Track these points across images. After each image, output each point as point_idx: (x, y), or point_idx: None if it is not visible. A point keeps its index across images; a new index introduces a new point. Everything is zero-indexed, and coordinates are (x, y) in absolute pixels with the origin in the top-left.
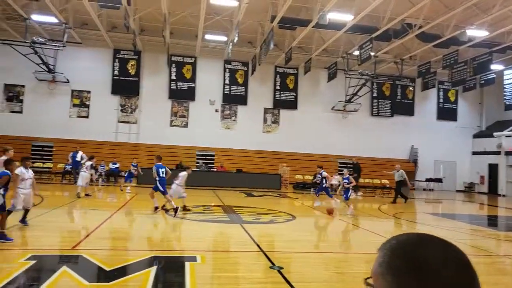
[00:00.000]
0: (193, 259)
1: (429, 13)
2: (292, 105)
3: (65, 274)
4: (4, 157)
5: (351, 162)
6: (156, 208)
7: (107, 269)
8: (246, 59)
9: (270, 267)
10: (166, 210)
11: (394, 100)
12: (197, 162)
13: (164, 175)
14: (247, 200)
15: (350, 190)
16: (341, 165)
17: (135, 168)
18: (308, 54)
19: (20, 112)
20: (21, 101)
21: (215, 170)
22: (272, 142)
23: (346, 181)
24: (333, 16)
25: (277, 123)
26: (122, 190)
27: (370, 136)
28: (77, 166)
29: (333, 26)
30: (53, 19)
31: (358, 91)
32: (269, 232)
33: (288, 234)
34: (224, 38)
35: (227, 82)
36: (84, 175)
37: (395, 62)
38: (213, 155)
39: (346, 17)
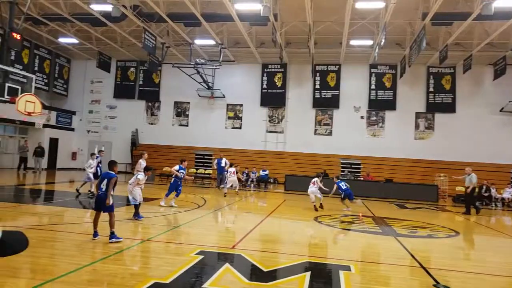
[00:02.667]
0: (347, 268)
1: None
2: (449, 108)
3: (228, 271)
4: (142, 161)
5: None
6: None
7: (264, 269)
8: (394, 61)
9: (434, 285)
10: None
11: None
12: (342, 171)
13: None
14: (399, 212)
15: None
16: None
17: None
18: (467, 51)
19: (186, 125)
20: (187, 115)
21: (362, 179)
22: (426, 150)
23: None
24: (500, 3)
25: (431, 129)
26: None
27: None
28: (221, 171)
29: (500, 15)
30: (211, 42)
31: None
32: (428, 247)
33: (452, 251)
34: (369, 42)
35: (373, 87)
36: (231, 179)
37: None
38: (359, 164)
39: None
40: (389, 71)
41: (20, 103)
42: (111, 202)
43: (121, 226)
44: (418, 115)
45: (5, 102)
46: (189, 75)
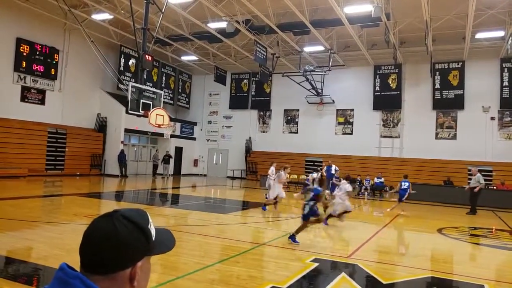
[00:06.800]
0: (480, 287)
1: None
2: None
3: (345, 280)
4: (282, 172)
5: None
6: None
7: (384, 282)
8: None
9: None
10: None
11: None
12: (469, 178)
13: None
14: None
15: None
16: None
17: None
18: None
19: (296, 133)
20: (296, 123)
21: (495, 188)
22: None
23: None
24: None
25: None
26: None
27: None
28: (331, 177)
29: None
30: (320, 48)
31: None
32: None
33: None
34: (500, 34)
35: (505, 84)
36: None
37: None
38: (490, 170)
39: None
40: None
41: (152, 116)
42: (305, 212)
43: (241, 229)
44: None
45: (139, 116)
46: (298, 83)
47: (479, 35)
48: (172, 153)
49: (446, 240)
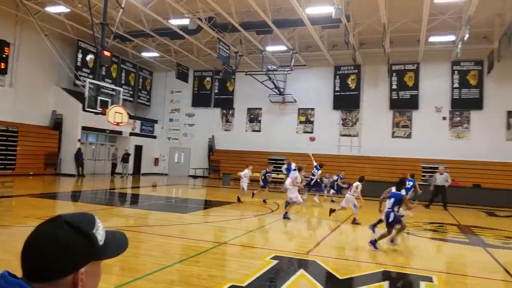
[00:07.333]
0: (429, 279)
1: None
2: None
3: (303, 277)
4: (297, 173)
5: None
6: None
7: (340, 277)
8: (480, 57)
9: None
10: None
11: None
12: (423, 175)
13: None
14: (489, 220)
15: None
16: None
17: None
18: None
19: (259, 131)
20: (259, 121)
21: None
22: None
23: None
24: None
25: None
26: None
27: None
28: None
29: None
30: (282, 47)
31: None
32: None
33: None
34: (451, 38)
35: (456, 85)
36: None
37: None
38: None
39: None
40: (475, 67)
41: (110, 114)
42: (390, 220)
43: (202, 229)
44: (510, 114)
45: (97, 113)
46: (261, 82)
47: (432, 39)
48: (132, 151)
49: (401, 235)
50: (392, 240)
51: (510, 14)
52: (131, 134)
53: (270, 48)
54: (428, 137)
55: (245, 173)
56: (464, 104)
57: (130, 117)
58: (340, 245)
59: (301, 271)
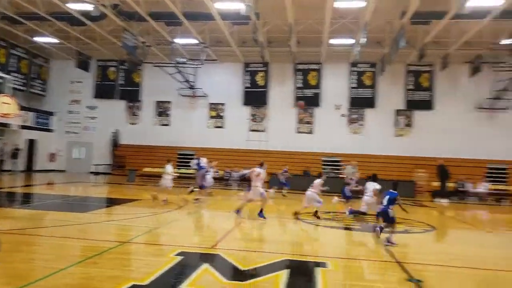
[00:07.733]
0: (324, 265)
1: None
2: (427, 105)
3: (207, 271)
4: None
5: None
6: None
7: (242, 268)
8: (374, 60)
9: (408, 280)
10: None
11: None
12: (324, 169)
13: None
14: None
15: None
16: (490, 170)
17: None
18: (445, 49)
19: (168, 125)
20: (168, 115)
21: (344, 176)
22: (405, 146)
23: None
24: (476, 3)
25: (410, 126)
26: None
27: None
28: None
29: (475, 14)
30: (193, 41)
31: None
32: (404, 242)
33: (427, 245)
34: (351, 41)
35: (353, 85)
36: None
37: None
38: (339, 161)
39: (493, 2)
40: (370, 69)
41: None
42: (391, 215)
43: (104, 228)
44: (397, 112)
45: None
46: (170, 74)
47: (333, 41)
48: (23, 146)
49: (301, 225)
50: (378, 231)
51: (398, 22)
52: (23, 127)
53: (180, 41)
54: (328, 133)
55: (170, 170)
56: (360, 103)
57: (22, 108)
58: (243, 237)
59: (205, 265)
